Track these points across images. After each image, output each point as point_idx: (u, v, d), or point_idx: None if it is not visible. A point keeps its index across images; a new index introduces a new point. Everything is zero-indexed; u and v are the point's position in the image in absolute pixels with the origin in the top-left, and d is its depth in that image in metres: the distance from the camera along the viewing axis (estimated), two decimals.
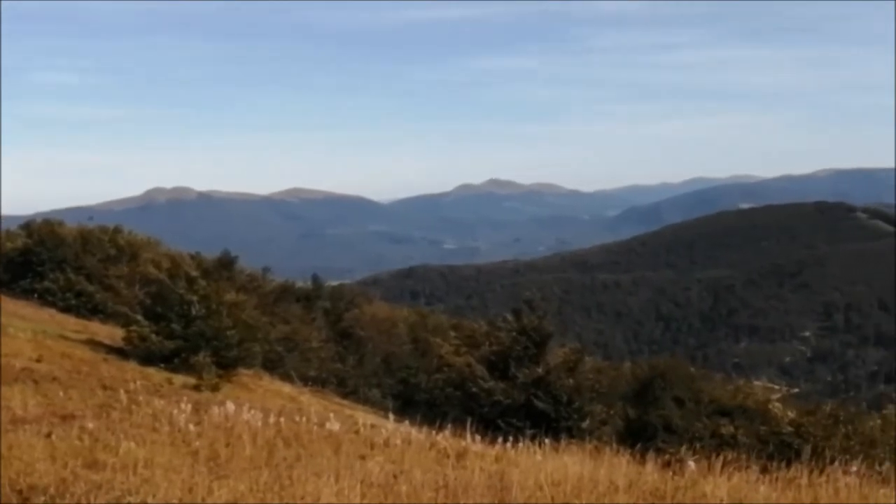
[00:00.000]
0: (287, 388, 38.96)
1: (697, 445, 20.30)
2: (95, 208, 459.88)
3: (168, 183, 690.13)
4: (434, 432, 21.05)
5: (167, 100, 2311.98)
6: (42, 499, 9.01)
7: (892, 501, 11.01)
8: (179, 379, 31.14)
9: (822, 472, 12.86)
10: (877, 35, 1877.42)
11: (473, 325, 44.48)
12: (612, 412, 39.28)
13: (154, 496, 9.17)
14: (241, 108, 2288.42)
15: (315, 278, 76.24)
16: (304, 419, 20.32)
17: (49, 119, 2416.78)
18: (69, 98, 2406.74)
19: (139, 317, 35.96)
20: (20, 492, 9.38)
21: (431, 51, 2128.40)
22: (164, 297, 35.98)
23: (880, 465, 15.56)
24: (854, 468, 13.24)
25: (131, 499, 9.04)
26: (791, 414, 37.30)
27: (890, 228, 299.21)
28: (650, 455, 15.43)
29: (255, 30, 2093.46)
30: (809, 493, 11.15)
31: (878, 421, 38.32)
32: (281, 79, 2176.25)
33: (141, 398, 21.63)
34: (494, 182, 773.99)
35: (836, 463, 13.58)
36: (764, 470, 13.93)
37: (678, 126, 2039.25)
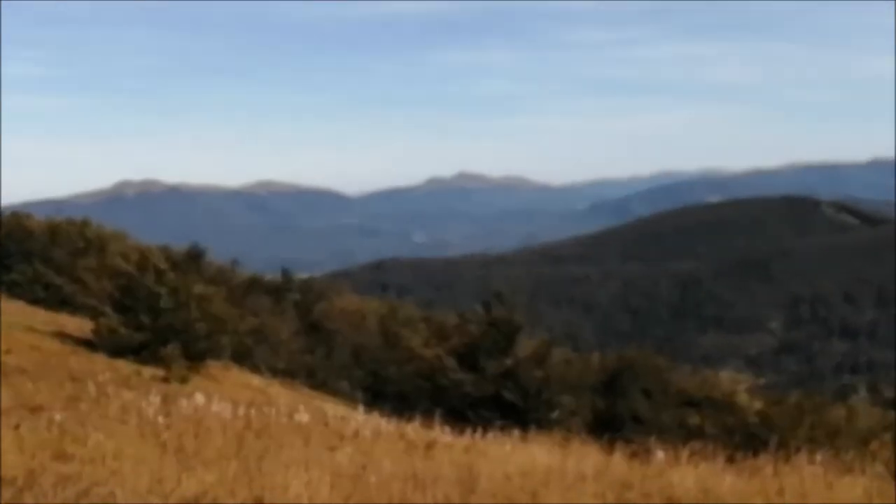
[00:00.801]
0: (256, 380, 38.85)
1: (665, 436, 20.40)
2: (64, 201, 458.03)
3: (137, 175, 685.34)
4: (403, 423, 21.10)
5: (136, 91, 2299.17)
6: (10, 491, 8.96)
7: (857, 489, 11.12)
8: (148, 371, 31.01)
9: (787, 461, 12.98)
10: (844, 32, 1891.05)
11: (443, 318, 44.61)
12: (580, 403, 39.43)
13: (123, 487, 9.14)
14: (212, 100, 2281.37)
15: (285, 271, 76.05)
16: (273, 411, 20.30)
17: (14, 110, 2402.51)
18: (35, 89, 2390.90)
19: (108, 309, 35.79)
20: None
21: (399, 45, 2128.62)
22: (132, 289, 35.83)
23: (845, 454, 15.69)
24: (819, 457, 13.36)
25: (100, 490, 9.01)
26: (757, 404, 37.60)
27: (856, 222, 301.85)
28: (618, 445, 15.52)
29: (225, 21, 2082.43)
30: (775, 483, 11.25)
31: (843, 411, 38.68)
32: (251, 71, 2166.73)
33: (110, 390, 21.55)
34: (464, 176, 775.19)
35: (802, 452, 13.70)
36: (730, 460, 14.04)
37: (646, 120, 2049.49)
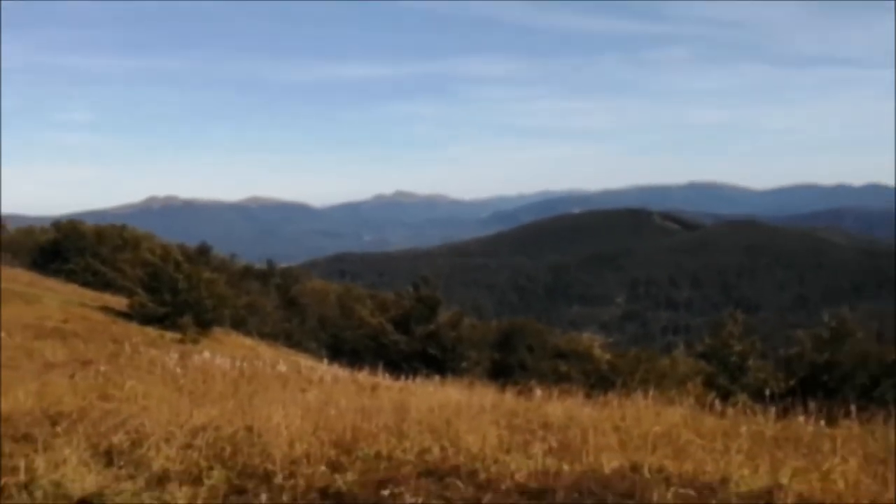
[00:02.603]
0: (248, 341, 38.48)
1: (542, 379, 20.57)
2: (107, 211, 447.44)
3: (161, 192, 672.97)
4: (355, 372, 21.07)
5: (160, 130, 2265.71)
6: (67, 422, 8.81)
7: (676, 416, 11.31)
8: (169, 335, 30.68)
9: (628, 396, 13.17)
10: (676, 92, 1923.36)
11: (384, 296, 44.47)
12: (482, 356, 39.61)
13: (150, 419, 9.03)
14: (217, 137, 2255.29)
15: (269, 262, 75.63)
16: (260, 363, 20.16)
17: (70, 145, 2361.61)
18: (86, 129, 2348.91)
19: (139, 290, 35.46)
20: (51, 417, 9.18)
21: (354, 100, 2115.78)
22: (157, 275, 35.49)
23: (668, 391, 15.98)
24: (650, 394, 13.59)
25: (133, 421, 8.89)
26: (607, 357, 38.01)
27: (678, 228, 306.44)
28: (509, 386, 15.62)
29: (230, 80, 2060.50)
30: (619, 411, 11.39)
31: (667, 361, 39.27)
32: (246, 117, 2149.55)
33: (141, 349, 21.25)
34: (400, 193, 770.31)
35: (638, 391, 13.92)
36: (588, 396, 14.19)
37: (532, 154, 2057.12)
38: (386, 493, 6.15)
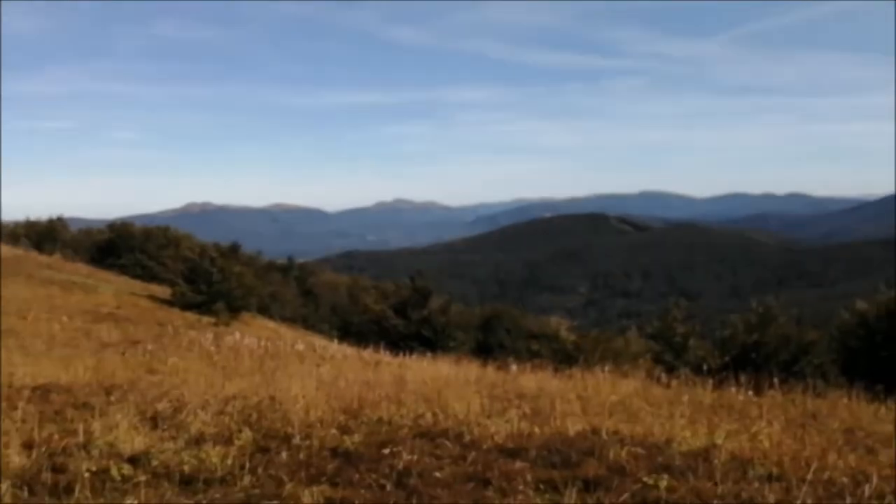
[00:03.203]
0: (272, 325, 38.33)
1: (518, 356, 20.58)
2: (153, 215, 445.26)
3: (198, 199, 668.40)
4: (361, 350, 21.04)
5: (198, 146, 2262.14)
6: (119, 392, 8.79)
7: (630, 387, 11.36)
8: (205, 319, 30.52)
9: (589, 371, 13.22)
10: (627, 116, 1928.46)
11: (385, 286, 44.34)
12: (468, 337, 39.53)
13: (188, 390, 9.01)
14: (247, 153, 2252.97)
15: (289, 258, 75.31)
16: (281, 343, 20.14)
17: (121, 159, 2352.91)
18: (134, 146, 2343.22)
19: (180, 281, 35.28)
20: (106, 388, 9.15)
21: (359, 122, 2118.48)
22: (195, 269, 35.28)
23: (623, 367, 16.02)
24: (608, 369, 13.64)
25: (174, 391, 8.87)
26: (571, 337, 37.95)
27: (630, 230, 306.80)
28: (490, 362, 15.67)
29: (258, 107, 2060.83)
30: (581, 383, 11.44)
31: (622, 342, 39.30)
32: (271, 136, 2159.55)
33: (181, 330, 21.20)
34: (399, 200, 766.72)
35: (598, 366, 13.97)
36: (556, 370, 14.25)
37: (509, 168, 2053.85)
38: (386, 451, 6.16)
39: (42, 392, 8.68)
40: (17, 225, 54.55)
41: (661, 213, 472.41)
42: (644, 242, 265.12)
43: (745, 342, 20.27)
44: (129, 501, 4.98)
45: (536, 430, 7.14)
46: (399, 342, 27.72)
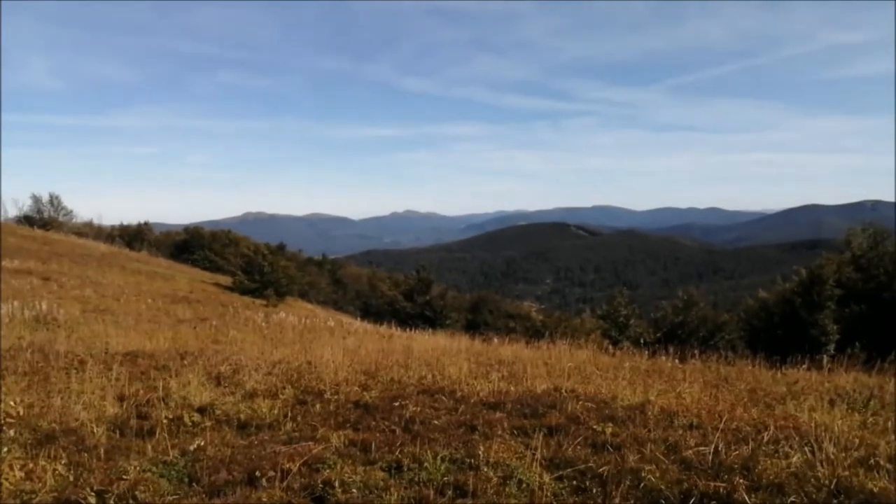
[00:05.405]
0: (309, 306, 38.19)
1: (498, 332, 20.58)
2: (218, 221, 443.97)
3: (254, 209, 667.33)
4: (378, 326, 21.02)
5: (254, 168, 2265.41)
6: (190, 357, 8.77)
7: (583, 356, 11.35)
8: (258, 301, 30.46)
9: (553, 343, 13.22)
10: (580, 146, 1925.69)
11: (397, 277, 44.30)
12: (460, 316, 39.51)
13: (244, 356, 9.00)
14: (292, 174, 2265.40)
15: (323, 256, 75.31)
16: (317, 320, 20.08)
17: (195, 178, 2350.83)
18: (205, 167, 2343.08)
19: (239, 272, 35.18)
20: (180, 354, 9.13)
21: (378, 150, 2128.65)
22: (251, 263, 35.17)
23: (579, 340, 16.02)
24: (567, 341, 13.64)
25: (234, 357, 8.86)
26: (540, 317, 37.95)
27: (587, 235, 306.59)
28: (477, 337, 15.67)
29: (302, 138, 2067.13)
30: (547, 353, 11.45)
31: (579, 321, 39.28)
32: (314, 161, 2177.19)
33: (239, 310, 21.11)
34: (408, 210, 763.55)
35: (560, 340, 13.97)
36: (528, 343, 14.25)
37: (493, 186, 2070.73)
38: (396, 404, 6.17)
39: (131, 357, 8.67)
40: (113, 228, 54.44)
41: (609, 222, 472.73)
42: (596, 245, 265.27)
43: (673, 322, 20.30)
44: (197, 442, 4.99)
45: (512, 388, 7.14)
46: (407, 320, 27.73)
